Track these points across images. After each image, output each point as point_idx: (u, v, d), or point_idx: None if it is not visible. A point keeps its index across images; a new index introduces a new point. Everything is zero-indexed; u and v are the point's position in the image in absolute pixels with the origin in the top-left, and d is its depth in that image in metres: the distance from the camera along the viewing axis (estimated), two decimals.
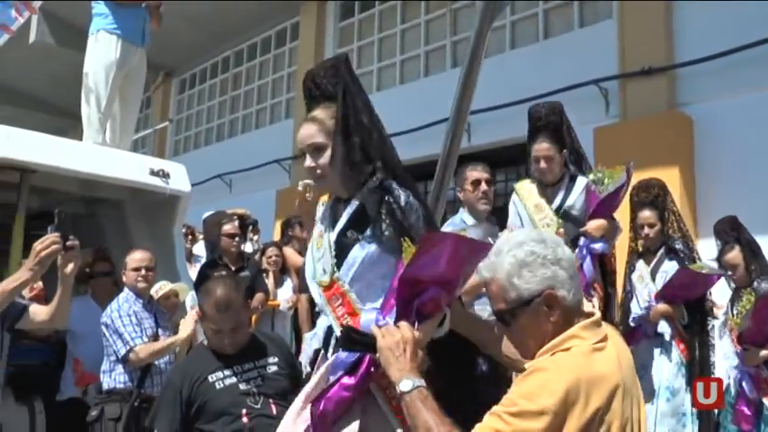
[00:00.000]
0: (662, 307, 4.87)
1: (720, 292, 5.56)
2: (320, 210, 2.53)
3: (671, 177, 8.35)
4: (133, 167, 5.53)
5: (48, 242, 2.94)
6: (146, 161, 5.83)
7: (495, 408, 1.80)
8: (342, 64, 2.35)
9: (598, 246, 4.31)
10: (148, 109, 20.24)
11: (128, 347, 4.31)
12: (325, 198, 2.53)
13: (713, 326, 5.07)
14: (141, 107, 21.13)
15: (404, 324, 2.04)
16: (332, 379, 2.17)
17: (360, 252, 2.24)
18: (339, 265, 2.28)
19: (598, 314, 2.04)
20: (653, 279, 5.00)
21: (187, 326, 4.50)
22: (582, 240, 4.33)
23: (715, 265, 5.00)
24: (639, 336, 4.94)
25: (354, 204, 2.31)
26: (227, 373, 3.16)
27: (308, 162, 2.34)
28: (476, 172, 4.49)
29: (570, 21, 10.93)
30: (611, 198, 4.43)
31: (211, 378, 3.12)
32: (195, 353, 3.54)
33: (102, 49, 5.95)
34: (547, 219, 4.44)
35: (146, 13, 6.19)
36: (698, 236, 8.34)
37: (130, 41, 6.04)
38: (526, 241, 1.94)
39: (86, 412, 4.42)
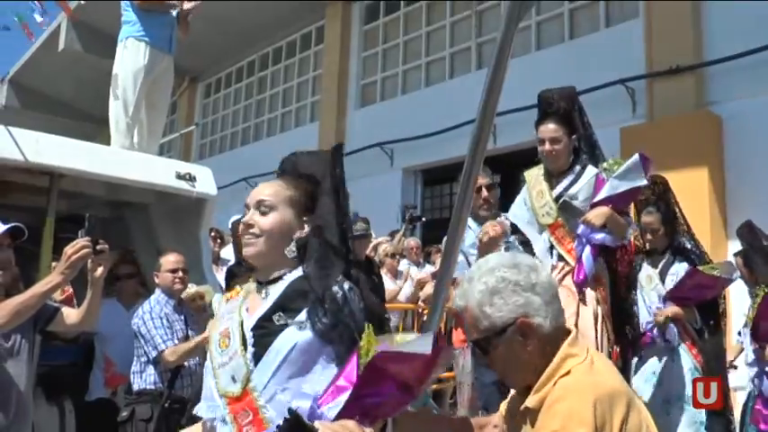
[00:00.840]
0: (671, 309, 4.52)
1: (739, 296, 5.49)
2: (221, 307, 2.19)
3: (700, 178, 8.28)
4: (160, 171, 5.56)
5: (78, 246, 2.99)
6: (172, 165, 5.86)
7: None
8: (332, 154, 2.17)
9: (599, 236, 3.84)
10: (174, 114, 20.42)
11: (159, 350, 4.35)
12: (219, 297, 2.26)
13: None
14: (167, 112, 21.41)
15: (349, 424, 1.69)
16: None
17: (292, 337, 1.90)
18: (257, 362, 1.92)
19: (574, 331, 1.96)
20: (662, 281, 4.72)
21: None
22: (581, 229, 3.90)
23: (733, 263, 4.82)
24: (648, 340, 4.63)
25: (283, 285, 2.03)
26: None
27: (248, 217, 2.07)
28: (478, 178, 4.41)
29: (596, 20, 10.88)
30: (624, 195, 3.93)
31: None
32: None
33: (131, 56, 6.02)
34: (546, 207, 4.09)
35: (174, 21, 6.26)
36: (728, 236, 8.24)
37: (158, 48, 6.11)
38: (497, 267, 1.86)
39: (115, 412, 4.46)
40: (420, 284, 7.23)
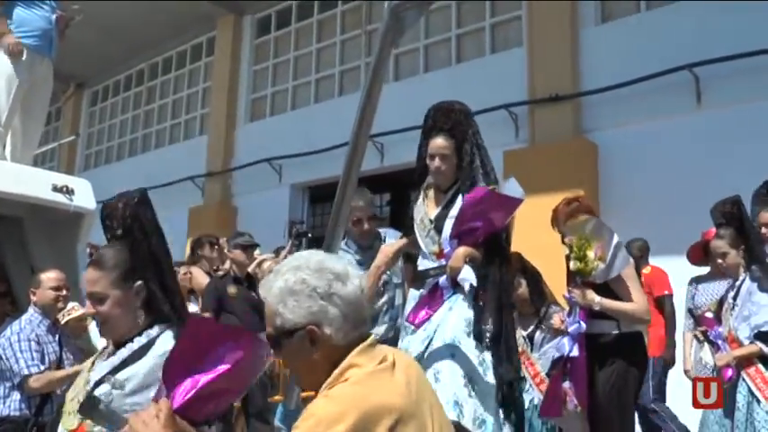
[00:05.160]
0: (462, 250, 3.54)
1: None
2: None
3: None
4: (34, 183, 5.36)
5: None
6: (48, 177, 5.66)
7: None
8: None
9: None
10: (58, 121, 19.66)
11: (22, 375, 4.12)
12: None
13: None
14: (50, 119, 20.48)
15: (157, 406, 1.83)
16: None
17: None
18: None
19: (372, 336, 1.87)
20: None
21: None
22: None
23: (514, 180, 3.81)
24: None
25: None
26: None
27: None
28: (358, 211, 4.47)
29: (482, 46, 11.21)
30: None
31: None
32: None
33: (5, 58, 5.72)
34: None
35: (54, 23, 5.97)
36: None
37: (37, 51, 5.83)
38: (302, 267, 1.81)
39: None
40: None
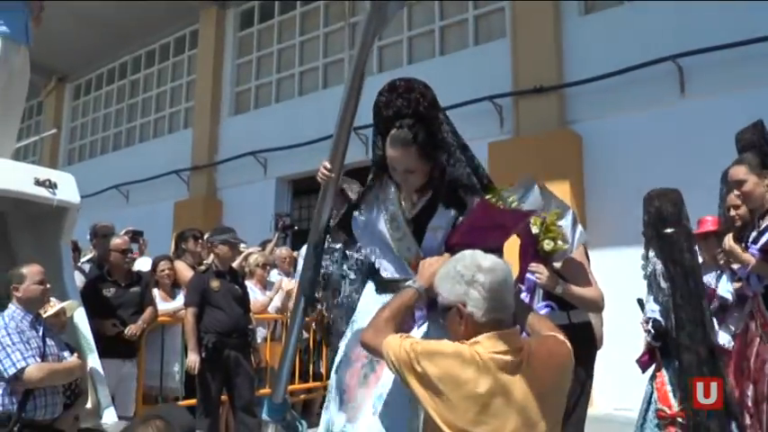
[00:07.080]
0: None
1: None
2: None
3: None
4: (15, 177, 5.27)
5: None
6: (30, 170, 5.57)
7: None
8: None
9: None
10: (39, 116, 19.52)
11: (18, 367, 4.05)
12: None
13: None
14: (31, 113, 20.25)
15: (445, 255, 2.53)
16: None
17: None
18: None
19: (511, 330, 2.22)
20: None
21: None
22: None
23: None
24: None
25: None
26: None
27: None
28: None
29: (466, 38, 11.23)
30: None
31: None
32: None
33: None
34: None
35: (28, 9, 5.80)
36: (588, 246, 8.68)
37: (13, 40, 5.68)
38: (460, 260, 2.27)
39: None
40: (290, 295, 7.19)
